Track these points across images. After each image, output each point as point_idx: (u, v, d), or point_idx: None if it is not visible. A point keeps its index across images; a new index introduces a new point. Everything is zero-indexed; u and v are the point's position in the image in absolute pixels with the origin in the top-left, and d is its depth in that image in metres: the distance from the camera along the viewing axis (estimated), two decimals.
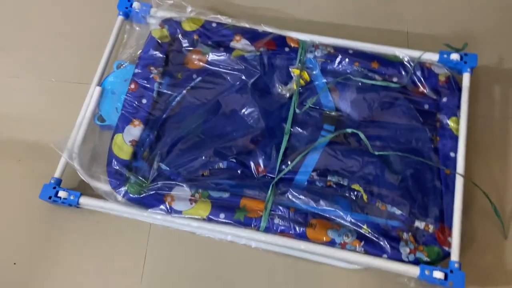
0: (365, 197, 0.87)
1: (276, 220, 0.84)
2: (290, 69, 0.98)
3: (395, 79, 0.97)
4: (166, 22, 1.01)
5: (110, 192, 0.87)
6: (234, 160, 0.88)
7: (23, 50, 1.10)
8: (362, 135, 0.89)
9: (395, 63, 0.98)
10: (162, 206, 0.84)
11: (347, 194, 0.87)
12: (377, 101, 0.95)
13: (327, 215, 0.85)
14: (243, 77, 0.97)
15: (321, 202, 0.85)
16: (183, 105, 0.95)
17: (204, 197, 0.86)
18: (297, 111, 0.94)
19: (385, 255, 0.81)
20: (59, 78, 1.06)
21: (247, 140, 0.90)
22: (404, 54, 0.99)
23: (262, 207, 0.85)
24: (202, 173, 0.88)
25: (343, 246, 0.82)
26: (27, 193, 0.92)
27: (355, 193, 0.87)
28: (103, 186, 0.87)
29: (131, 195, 0.85)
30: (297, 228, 0.83)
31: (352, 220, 0.84)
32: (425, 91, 0.97)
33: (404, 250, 0.81)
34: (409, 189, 0.87)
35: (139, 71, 0.96)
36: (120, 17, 1.05)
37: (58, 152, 0.89)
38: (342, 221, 0.84)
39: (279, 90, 0.98)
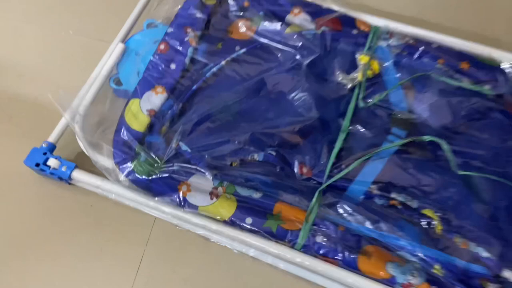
0: (439, 227, 0.65)
1: (319, 238, 0.63)
2: (356, 56, 0.79)
3: (488, 87, 0.76)
4: None
5: (112, 169, 0.68)
6: (274, 153, 0.68)
7: None
8: (445, 145, 0.68)
9: (490, 67, 0.78)
10: (174, 196, 0.65)
11: (415, 220, 0.66)
12: (466, 109, 0.74)
13: (388, 243, 0.64)
14: (298, 57, 0.78)
15: (382, 225, 0.64)
16: (220, 78, 0.76)
17: (229, 193, 0.66)
18: (361, 104, 0.74)
19: None
20: (78, 31, 0.89)
21: (293, 130, 0.70)
22: (503, 57, 0.78)
23: (302, 218, 0.64)
24: (230, 163, 0.68)
25: None
26: (10, 158, 0.74)
27: (427, 220, 0.66)
28: (105, 160, 0.68)
29: (137, 175, 0.65)
30: (346, 254, 0.62)
31: (421, 256, 0.62)
32: None
33: None
34: (500, 227, 0.65)
35: (173, 30, 0.79)
36: None
37: (59, 109, 0.70)
38: (407, 255, 0.63)
39: (339, 78, 0.78)
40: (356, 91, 0.76)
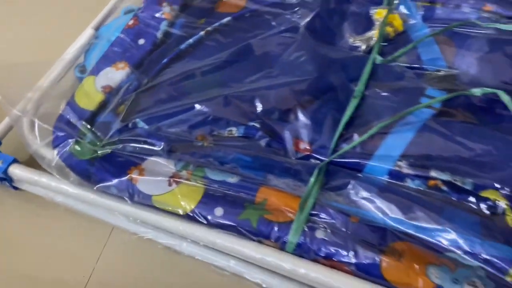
0: (510, 215, 0.42)
1: (320, 234, 0.42)
2: (371, 13, 0.62)
3: None
4: None
5: (56, 164, 0.53)
6: (258, 125, 0.50)
7: None
8: (505, 96, 0.47)
9: None
10: (120, 183, 0.48)
11: (473, 206, 0.43)
12: None
13: (429, 240, 0.41)
14: (294, 18, 0.62)
15: (418, 214, 0.42)
16: (197, 49, 0.61)
17: (196, 178, 0.48)
18: (378, 59, 0.55)
19: None
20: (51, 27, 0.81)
21: (286, 94, 0.52)
22: None
23: (295, 207, 0.44)
24: (198, 139, 0.50)
25: None
26: None
27: (491, 204, 0.43)
28: (46, 150, 0.53)
29: (74, 158, 0.50)
30: (362, 255, 0.40)
31: (485, 256, 0.39)
32: None
33: None
34: None
35: (145, 5, 0.67)
36: None
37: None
38: (462, 256, 0.40)
39: (351, 41, 0.60)
40: (375, 48, 0.58)
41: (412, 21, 0.61)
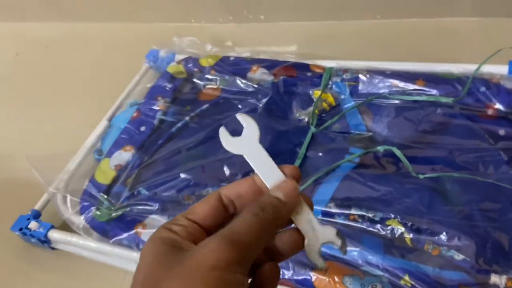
0: (407, 238, 0.59)
1: None
2: (310, 93, 0.82)
3: (446, 97, 0.74)
4: (184, 59, 0.96)
5: (83, 226, 0.71)
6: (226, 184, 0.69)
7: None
8: (396, 151, 0.65)
9: (448, 80, 0.77)
10: (129, 236, 0.66)
11: (380, 232, 0.60)
12: (425, 121, 0.72)
13: (347, 259, 0.58)
14: (255, 101, 0.83)
15: None
16: (184, 131, 0.82)
17: None
18: (312, 129, 0.75)
19: None
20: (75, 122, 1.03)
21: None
22: (460, 69, 0.77)
23: None
24: (185, 199, 0.69)
25: None
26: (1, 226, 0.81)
27: (392, 230, 0.60)
28: (75, 217, 0.72)
29: (96, 221, 0.68)
30: (299, 272, 0.57)
31: (386, 267, 0.56)
32: (494, 112, 0.72)
33: None
34: (477, 225, 0.57)
35: (145, 100, 0.88)
36: (146, 65, 1.03)
37: (39, 179, 0.78)
38: (371, 269, 0.56)
39: (297, 115, 0.80)
40: (312, 119, 0.77)
41: (342, 97, 0.82)
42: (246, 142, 0.30)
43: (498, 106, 0.71)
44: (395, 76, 0.79)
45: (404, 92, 0.77)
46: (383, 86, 0.80)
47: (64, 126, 1.03)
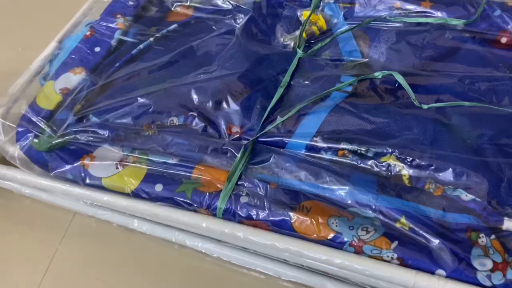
0: (405, 176, 0.49)
1: (244, 199, 0.49)
2: (298, 14, 0.70)
3: (455, 19, 0.63)
4: None
5: (19, 156, 0.59)
6: (195, 114, 0.58)
7: None
8: (398, 76, 0.55)
9: (459, 1, 0.65)
10: (73, 169, 0.55)
11: (375, 169, 0.51)
12: (431, 46, 0.61)
13: (332, 197, 0.48)
14: (232, 22, 0.70)
15: (327, 179, 0.49)
16: (147, 54, 0.69)
17: (140, 161, 0.55)
18: (299, 52, 0.63)
19: (441, 271, 0.41)
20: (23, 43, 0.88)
21: (219, 86, 0.59)
22: None
23: (224, 179, 0.51)
24: (144, 129, 0.58)
25: (357, 248, 0.44)
26: None
27: (388, 167, 0.50)
28: (10, 146, 0.60)
29: (34, 150, 0.57)
30: (276, 212, 0.47)
31: (379, 207, 0.46)
32: (510, 40, 0.62)
33: (481, 264, 0.41)
34: (488, 161, 0.48)
35: (101, 17, 0.75)
36: None
37: None
38: (362, 210, 0.47)
39: (282, 40, 0.69)
40: (298, 43, 0.66)
41: (335, 21, 0.70)
42: None
43: None
44: None
45: (407, 15, 0.66)
46: (383, 8, 0.68)
47: (8, 49, 0.89)
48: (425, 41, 0.61)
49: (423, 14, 0.66)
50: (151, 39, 0.71)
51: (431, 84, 0.57)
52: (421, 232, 0.44)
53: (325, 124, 0.55)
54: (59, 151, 0.56)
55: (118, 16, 0.75)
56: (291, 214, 0.47)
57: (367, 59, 0.62)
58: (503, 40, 0.62)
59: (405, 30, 0.64)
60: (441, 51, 0.60)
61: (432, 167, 0.48)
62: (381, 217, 0.46)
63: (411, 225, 0.45)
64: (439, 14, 0.65)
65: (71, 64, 0.68)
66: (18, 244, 0.60)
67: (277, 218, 0.47)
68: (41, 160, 0.56)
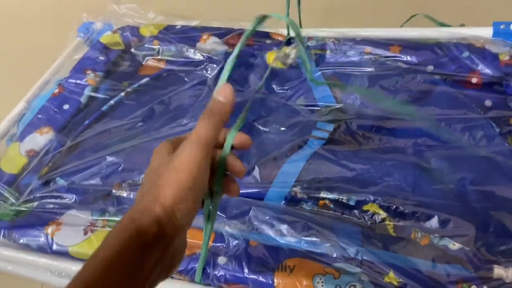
0: (390, 225, 0.47)
1: (221, 260, 0.46)
2: (264, 57, 0.70)
3: (430, 68, 0.64)
4: (120, 28, 0.81)
5: None
6: None
7: None
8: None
9: (427, 46, 0.66)
10: (38, 238, 0.51)
11: (357, 219, 0.48)
12: (404, 89, 0.61)
13: (317, 252, 0.46)
14: (204, 72, 0.69)
15: (310, 231, 0.47)
16: (117, 109, 0.67)
17: (111, 224, 0.51)
18: (259, 93, 0.62)
19: None
20: None
21: None
22: (439, 33, 0.68)
23: (200, 239, 0.48)
24: (116, 188, 0.54)
25: None
26: None
27: (372, 216, 0.48)
28: None
29: None
30: (258, 273, 0.44)
31: (366, 261, 0.44)
32: (479, 80, 0.62)
33: None
34: (472, 207, 0.46)
35: (70, 74, 0.73)
36: (78, 39, 0.87)
37: None
38: (348, 266, 0.44)
39: (252, 85, 0.68)
40: (262, 84, 0.65)
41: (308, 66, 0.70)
42: None
43: (486, 71, 0.61)
44: (367, 42, 0.69)
45: (376, 60, 0.67)
46: (353, 53, 0.68)
47: None
48: (398, 84, 0.62)
49: (393, 58, 0.67)
50: (122, 94, 0.69)
51: (408, 128, 0.56)
52: (411, 286, 0.41)
53: (304, 172, 0.53)
54: (22, 220, 0.53)
55: (88, 72, 0.73)
56: (274, 277, 0.44)
57: (341, 104, 0.62)
58: (474, 80, 0.63)
59: (377, 75, 0.64)
60: (415, 94, 0.60)
61: (417, 214, 0.47)
62: (368, 272, 0.44)
63: (400, 280, 0.42)
64: (408, 58, 0.65)
65: (38, 124, 0.65)
66: None
67: (258, 280, 0.44)
68: (6, 230, 0.52)
